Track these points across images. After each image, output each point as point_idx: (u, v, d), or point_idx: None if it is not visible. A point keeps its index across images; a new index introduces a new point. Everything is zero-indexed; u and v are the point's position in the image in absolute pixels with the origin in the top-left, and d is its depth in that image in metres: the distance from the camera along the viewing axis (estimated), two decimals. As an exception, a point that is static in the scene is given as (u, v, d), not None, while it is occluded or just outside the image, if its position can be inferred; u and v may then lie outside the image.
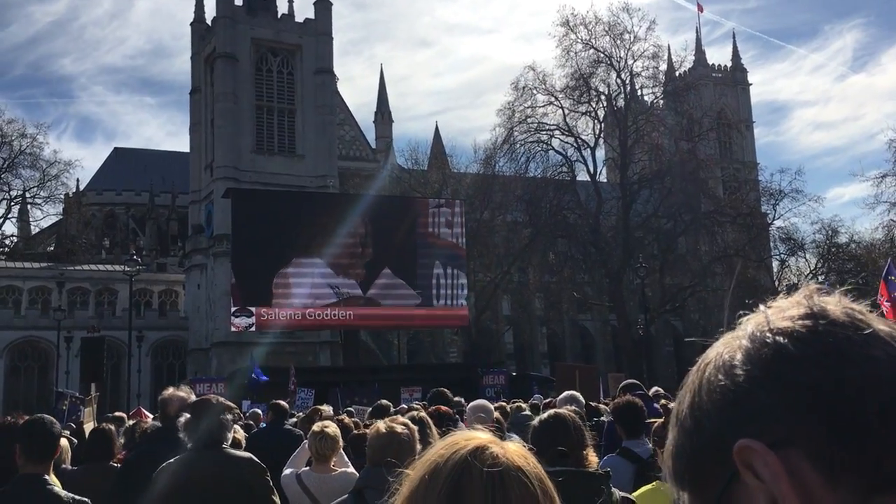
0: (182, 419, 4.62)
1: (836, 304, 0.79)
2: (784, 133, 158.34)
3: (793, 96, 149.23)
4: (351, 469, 5.60)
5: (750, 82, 79.71)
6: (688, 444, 0.81)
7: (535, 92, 48.57)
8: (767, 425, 0.74)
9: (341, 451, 5.80)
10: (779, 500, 0.72)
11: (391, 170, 62.03)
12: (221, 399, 4.78)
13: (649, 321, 44.85)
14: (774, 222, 53.02)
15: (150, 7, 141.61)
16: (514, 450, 1.18)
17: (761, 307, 0.83)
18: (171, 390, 5.86)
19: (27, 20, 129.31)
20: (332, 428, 5.71)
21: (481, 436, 1.19)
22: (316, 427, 5.69)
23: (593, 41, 48.43)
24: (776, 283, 57.03)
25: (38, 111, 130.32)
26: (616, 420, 5.48)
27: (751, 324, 0.81)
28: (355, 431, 7.74)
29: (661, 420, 4.58)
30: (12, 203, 66.81)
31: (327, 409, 11.07)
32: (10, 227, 69.03)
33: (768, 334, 0.78)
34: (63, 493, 4.19)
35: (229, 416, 4.63)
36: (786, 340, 0.76)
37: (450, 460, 1.13)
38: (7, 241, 67.82)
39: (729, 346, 0.81)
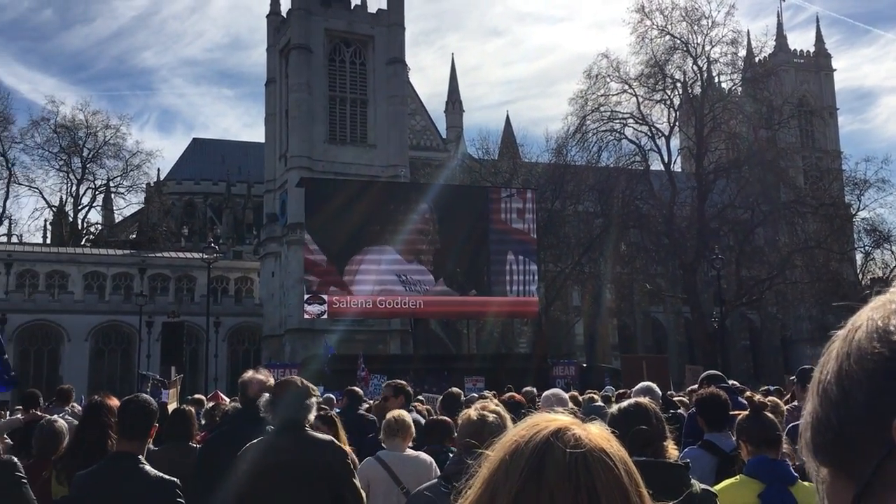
0: (264, 399, 4.70)
1: None
2: (870, 121, 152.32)
3: (879, 82, 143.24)
4: (423, 453, 5.66)
5: (834, 68, 76.78)
6: (833, 416, 0.73)
7: (608, 80, 47.86)
8: None
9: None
10: None
11: (462, 159, 62.05)
12: (305, 381, 4.84)
13: (724, 314, 43.78)
14: (858, 213, 51.11)
15: (228, 1, 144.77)
16: (597, 432, 1.15)
17: None
18: (250, 373, 5.97)
19: (111, 15, 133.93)
20: (403, 414, 5.83)
21: (562, 417, 1.16)
22: (391, 414, 5.79)
23: (669, 27, 47.40)
24: (860, 276, 54.99)
25: (121, 103, 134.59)
26: (699, 412, 5.34)
27: None
28: (430, 417, 7.78)
29: (746, 412, 4.43)
30: (97, 192, 69.59)
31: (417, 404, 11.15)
32: (95, 216, 71.89)
33: None
34: (154, 471, 4.28)
35: (312, 399, 4.69)
36: None
37: (531, 441, 1.10)
38: (92, 229, 70.60)
39: (882, 311, 0.73)
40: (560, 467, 1.07)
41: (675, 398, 10.35)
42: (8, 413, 10.45)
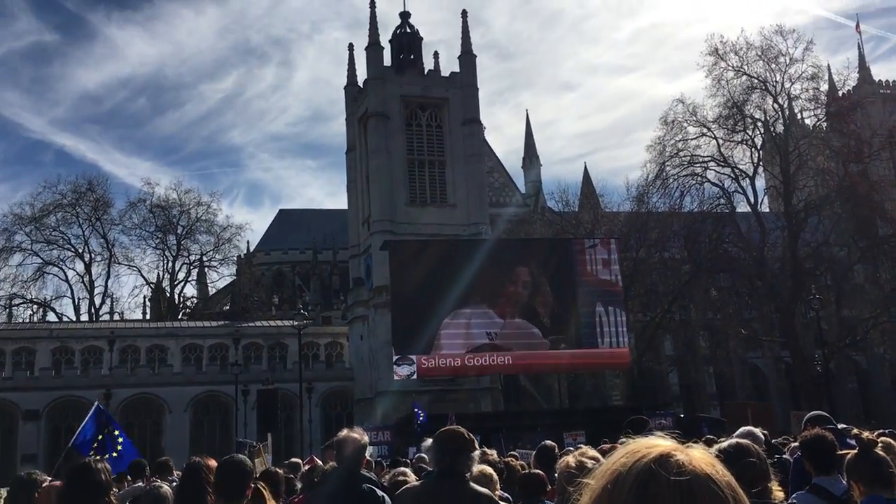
0: (426, 444, 4.79)
1: None
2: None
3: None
4: None
5: (924, 96, 73.88)
6: None
7: (685, 125, 47.40)
8: None
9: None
10: None
11: (542, 213, 62.00)
12: (467, 433, 4.92)
13: (827, 356, 41.87)
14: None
15: (308, 76, 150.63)
16: (701, 457, 1.10)
17: None
18: (345, 431, 6.08)
19: (199, 99, 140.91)
20: (488, 468, 5.84)
21: (664, 443, 1.11)
22: (476, 469, 5.81)
23: (745, 67, 46.80)
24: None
25: (211, 181, 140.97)
26: (804, 455, 5.11)
27: None
28: (522, 472, 7.69)
29: (855, 451, 4.23)
30: (191, 267, 72.34)
31: (492, 452, 11.05)
32: (190, 290, 74.61)
33: None
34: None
35: (476, 452, 4.75)
36: None
37: (633, 469, 1.06)
38: (188, 303, 73.23)
39: None
40: (664, 496, 1.03)
41: (780, 443, 9.92)
42: (126, 483, 10.84)
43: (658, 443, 1.12)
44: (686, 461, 1.07)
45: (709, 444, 9.12)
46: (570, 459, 3.79)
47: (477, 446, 4.83)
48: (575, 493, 1.16)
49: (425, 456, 13.93)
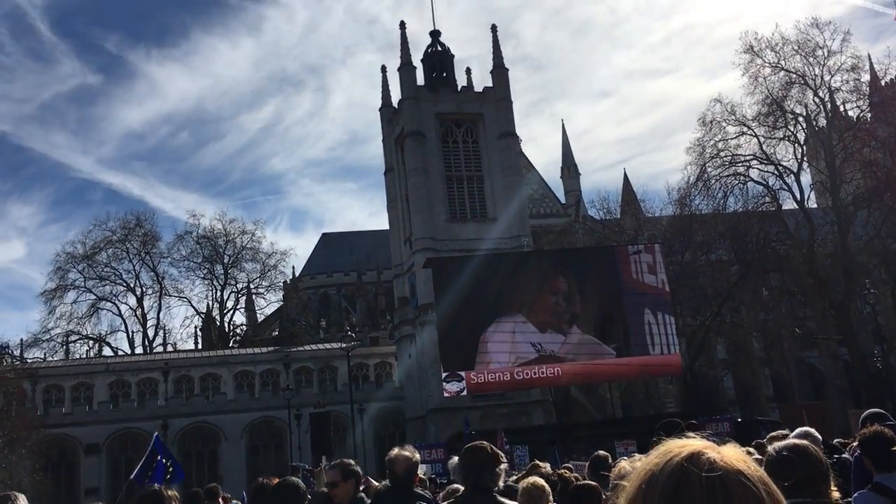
0: (453, 462, 4.85)
1: None
2: None
3: None
4: None
5: (971, 79, 72.00)
6: None
7: (724, 124, 46.81)
8: None
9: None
10: None
11: (583, 222, 61.66)
12: (494, 447, 4.96)
13: (886, 352, 40.77)
14: None
15: (344, 100, 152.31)
16: (732, 454, 1.12)
17: None
18: (396, 450, 6.11)
19: (239, 130, 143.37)
20: (540, 480, 5.80)
21: (695, 442, 1.14)
22: (526, 483, 5.77)
23: (782, 62, 46.14)
24: None
25: (255, 209, 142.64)
26: (864, 453, 5.00)
27: None
28: (575, 483, 7.63)
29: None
30: (240, 294, 73.39)
31: (545, 465, 10.98)
32: (240, 317, 75.66)
33: None
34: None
35: (503, 466, 4.79)
36: None
37: (665, 468, 1.09)
38: (238, 330, 74.27)
39: None
40: (697, 492, 1.05)
41: (839, 443, 9.68)
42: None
43: (689, 442, 1.14)
44: (717, 458, 1.09)
45: (760, 447, 8.95)
46: (626, 464, 3.76)
47: (503, 460, 4.83)
48: (612, 496, 1.20)
49: (435, 477, 13.88)
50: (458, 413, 41.16)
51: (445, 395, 36.81)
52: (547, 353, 35.23)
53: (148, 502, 4.75)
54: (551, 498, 5.78)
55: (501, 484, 4.71)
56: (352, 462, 6.32)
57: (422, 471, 18.41)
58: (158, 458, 11.80)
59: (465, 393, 36.10)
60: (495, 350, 35.03)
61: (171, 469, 11.31)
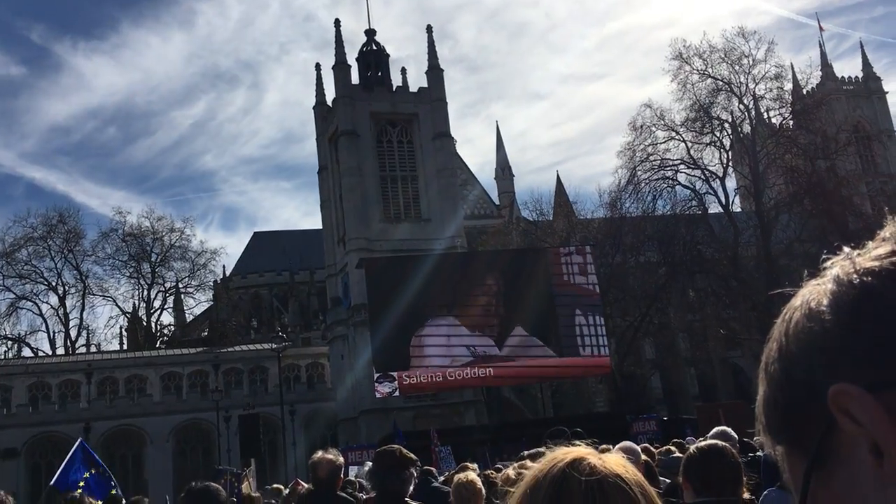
0: (366, 468, 4.77)
1: None
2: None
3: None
4: None
5: (886, 90, 75.37)
6: (779, 395, 0.76)
7: (654, 129, 47.83)
8: (862, 369, 0.68)
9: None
10: (881, 445, 0.66)
11: (516, 223, 62.24)
12: (405, 452, 4.88)
13: (806, 352, 42.21)
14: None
15: (279, 98, 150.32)
16: (613, 459, 1.18)
17: (846, 249, 0.78)
18: (320, 454, 6.04)
19: (170, 125, 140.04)
20: (474, 477, 5.70)
21: (580, 449, 1.19)
22: (458, 479, 5.66)
23: (710, 70, 47.39)
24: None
25: (186, 207, 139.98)
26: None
27: (836, 267, 0.77)
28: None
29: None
30: (167, 294, 71.71)
31: (474, 466, 10.99)
32: (167, 317, 73.91)
33: (855, 276, 0.73)
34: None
35: (412, 470, 4.72)
36: (874, 280, 0.71)
37: (549, 474, 1.14)
38: (165, 331, 72.53)
39: (814, 292, 0.77)
40: (576, 496, 1.11)
41: (753, 441, 9.98)
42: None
43: (573, 450, 1.20)
44: (598, 464, 1.15)
45: (683, 448, 9.17)
46: (510, 472, 3.78)
47: (414, 463, 4.80)
48: (500, 502, 1.26)
49: (362, 480, 13.83)
50: (390, 414, 41.07)
51: (377, 396, 36.63)
52: (480, 354, 35.36)
53: None
54: (483, 496, 5.71)
55: (409, 489, 4.66)
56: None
57: (353, 473, 18.25)
58: (92, 471, 11.40)
59: (397, 394, 35.99)
60: (431, 353, 35.01)
61: (113, 484, 10.93)
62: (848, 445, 0.69)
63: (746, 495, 3.53)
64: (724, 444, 3.69)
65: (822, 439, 0.71)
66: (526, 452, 9.07)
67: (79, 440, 12.18)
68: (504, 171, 74.50)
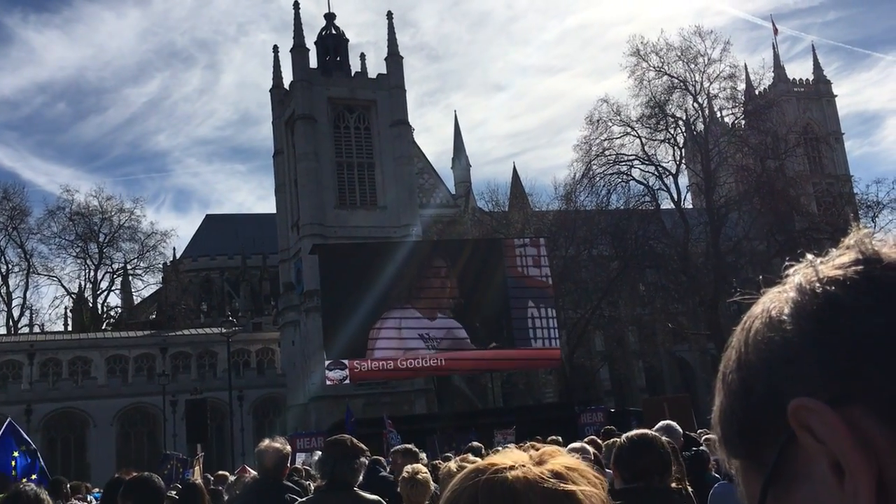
0: (316, 458, 4.72)
1: (890, 247, 0.72)
2: (878, 143, 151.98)
3: (884, 105, 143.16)
4: None
5: (835, 94, 77.23)
6: (737, 407, 0.72)
7: (610, 124, 48.19)
8: (824, 382, 0.64)
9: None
10: (842, 461, 0.63)
11: (472, 213, 62.34)
12: (356, 441, 4.84)
13: (750, 347, 43.15)
14: (875, 235, 50.61)
15: (235, 79, 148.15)
16: (534, 469, 1.17)
17: (809, 257, 0.74)
18: (266, 442, 5.96)
19: (123, 103, 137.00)
20: (423, 473, 5.63)
21: (503, 459, 1.18)
22: (406, 472, 5.59)
23: (666, 67, 47.88)
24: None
25: (137, 187, 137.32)
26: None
27: (798, 275, 0.72)
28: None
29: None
30: (115, 276, 70.32)
31: (423, 455, 10.99)
32: (114, 299, 72.50)
33: (818, 284, 0.69)
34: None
35: (362, 459, 4.70)
36: (838, 289, 0.67)
37: (465, 482, 1.15)
38: (112, 313, 71.15)
39: (775, 300, 0.73)
40: (496, 500, 1.11)
41: (700, 436, 10.17)
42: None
43: (494, 459, 1.20)
44: (518, 474, 1.15)
45: (610, 435, 9.28)
46: (452, 465, 3.80)
47: (364, 453, 4.80)
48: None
49: (309, 468, 13.77)
50: (340, 401, 40.91)
51: (328, 382, 36.44)
52: (434, 343, 35.40)
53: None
54: (431, 488, 5.69)
55: (360, 478, 4.64)
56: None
57: (300, 461, 18.12)
58: (23, 448, 11.07)
59: (347, 381, 35.86)
60: (383, 339, 34.91)
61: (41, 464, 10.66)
62: (807, 461, 0.66)
63: (674, 485, 3.61)
64: (653, 434, 3.78)
65: (781, 454, 0.67)
66: (473, 444, 9.12)
67: (7, 419, 11.79)
68: (461, 160, 74.51)
